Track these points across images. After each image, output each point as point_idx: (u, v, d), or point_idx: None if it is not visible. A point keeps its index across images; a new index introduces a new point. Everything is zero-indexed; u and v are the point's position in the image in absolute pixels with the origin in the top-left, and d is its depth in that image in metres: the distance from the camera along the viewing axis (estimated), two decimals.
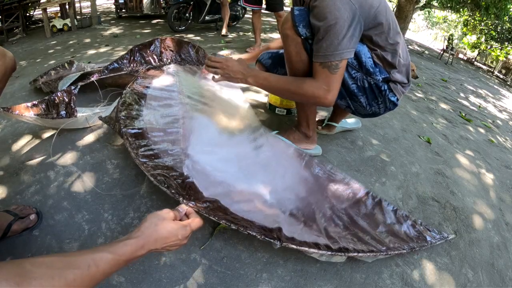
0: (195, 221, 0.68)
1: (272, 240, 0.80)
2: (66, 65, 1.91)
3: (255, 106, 1.74)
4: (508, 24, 9.66)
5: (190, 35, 4.00)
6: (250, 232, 0.80)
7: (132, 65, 1.52)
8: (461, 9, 7.62)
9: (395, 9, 7.96)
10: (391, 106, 1.17)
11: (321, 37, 0.93)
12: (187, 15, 4.22)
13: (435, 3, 8.02)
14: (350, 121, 1.61)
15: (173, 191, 0.83)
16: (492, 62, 14.02)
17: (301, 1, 1.22)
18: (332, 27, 0.90)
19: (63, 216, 0.96)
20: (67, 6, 4.56)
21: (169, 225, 0.61)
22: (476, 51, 12.77)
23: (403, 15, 7.02)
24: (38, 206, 0.97)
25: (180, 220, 0.67)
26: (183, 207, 0.71)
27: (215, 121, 1.22)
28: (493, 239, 1.17)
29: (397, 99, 1.15)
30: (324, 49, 0.93)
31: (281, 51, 1.38)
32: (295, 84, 1.02)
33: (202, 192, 0.86)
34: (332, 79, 0.97)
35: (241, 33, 4.41)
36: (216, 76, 1.11)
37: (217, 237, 0.93)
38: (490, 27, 10.85)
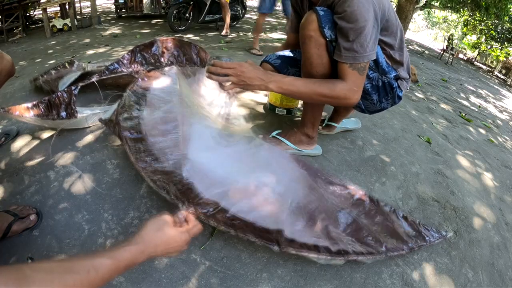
0: (195, 227, 0.68)
1: (270, 245, 0.80)
2: (66, 64, 1.91)
3: (255, 106, 1.74)
4: (508, 24, 9.66)
5: (190, 35, 4.00)
6: (249, 237, 0.80)
7: (132, 65, 1.52)
8: (461, 9, 7.62)
9: (395, 9, 7.97)
10: (397, 101, 1.22)
11: (352, 39, 0.91)
12: (187, 15, 4.22)
13: (435, 3, 8.02)
14: (350, 121, 1.61)
15: (172, 196, 0.83)
16: (492, 62, 14.02)
17: (300, 1, 1.21)
18: (363, 29, 0.89)
19: (63, 216, 0.96)
20: (67, 6, 4.56)
21: (169, 231, 0.61)
22: (476, 51, 12.77)
23: (403, 15, 7.03)
24: (38, 206, 0.97)
25: (180, 225, 0.68)
26: (183, 213, 0.72)
27: (214, 126, 1.22)
28: (493, 239, 1.17)
29: (402, 94, 1.21)
30: (354, 50, 0.92)
31: (287, 52, 1.37)
32: (326, 87, 0.98)
33: (202, 194, 0.86)
34: (361, 81, 0.98)
35: (241, 33, 4.41)
36: (227, 84, 0.97)
37: (217, 237, 0.93)
38: (490, 27, 10.85)
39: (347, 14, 0.89)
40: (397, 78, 1.14)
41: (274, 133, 1.35)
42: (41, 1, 4.82)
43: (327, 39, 0.97)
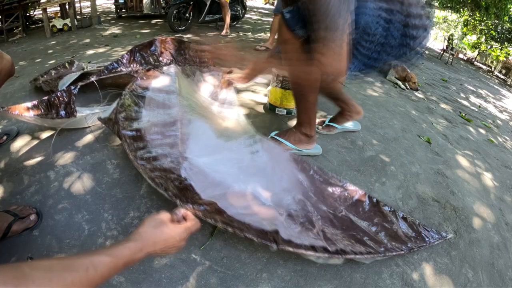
0: (193, 224, 0.68)
1: (268, 243, 0.80)
2: (66, 64, 1.91)
3: (255, 106, 1.74)
4: (508, 24, 9.65)
5: (190, 35, 4.00)
6: (247, 235, 0.80)
7: (132, 65, 1.52)
8: (461, 9, 7.61)
9: None
10: (410, 53, 1.07)
11: (323, 26, 0.88)
12: (187, 15, 4.21)
13: (435, 3, 8.02)
14: (351, 124, 1.61)
15: (170, 193, 0.83)
16: (492, 62, 14.02)
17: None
18: (328, 11, 0.85)
19: (63, 216, 0.96)
20: (67, 6, 4.56)
21: (167, 228, 0.61)
22: (476, 51, 12.76)
23: None
24: (38, 206, 0.97)
25: (178, 222, 0.68)
26: (181, 210, 0.72)
27: (213, 125, 1.22)
28: (493, 239, 1.17)
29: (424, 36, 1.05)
30: (329, 35, 0.89)
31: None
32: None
33: (200, 195, 0.86)
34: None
35: (241, 33, 4.41)
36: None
37: (217, 237, 0.93)
38: (490, 27, 10.84)
39: (309, 1, 0.87)
40: (405, 25, 1.00)
41: (272, 134, 1.35)
42: (41, 1, 4.81)
43: (302, 38, 0.96)
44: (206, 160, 1.03)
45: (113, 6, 5.89)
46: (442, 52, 8.17)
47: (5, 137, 1.31)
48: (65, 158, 1.19)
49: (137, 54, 1.55)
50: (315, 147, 1.34)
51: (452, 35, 9.77)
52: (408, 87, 2.87)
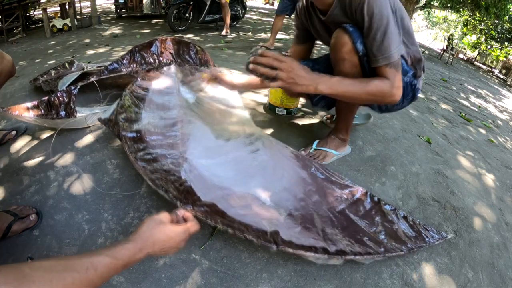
0: (193, 225, 0.68)
1: (268, 244, 0.81)
2: (66, 64, 1.91)
3: (255, 106, 1.74)
4: (508, 24, 9.65)
5: (190, 35, 4.00)
6: (247, 236, 0.80)
7: (132, 65, 1.52)
8: (461, 9, 7.62)
9: None
10: (415, 99, 1.23)
11: (380, 39, 0.92)
12: (187, 15, 4.22)
13: (435, 3, 8.02)
14: (360, 116, 1.64)
15: (171, 195, 0.83)
16: (492, 62, 14.02)
17: (308, 15, 1.18)
18: (387, 25, 0.90)
19: (63, 216, 0.96)
20: (67, 6, 4.56)
21: (167, 229, 0.62)
22: (476, 51, 12.77)
23: None
24: (38, 206, 0.97)
25: (178, 223, 0.68)
26: (181, 211, 0.72)
27: (213, 125, 1.22)
28: (493, 239, 1.17)
29: (419, 92, 1.22)
30: (385, 49, 0.92)
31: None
32: (374, 85, 0.96)
33: (200, 196, 0.86)
34: (400, 76, 0.98)
35: (241, 33, 4.41)
36: (273, 83, 0.90)
37: (217, 237, 0.93)
38: (490, 27, 10.85)
39: (370, 17, 0.90)
40: (415, 75, 1.15)
41: (314, 146, 1.34)
42: (41, 1, 4.82)
43: (360, 54, 0.98)
44: (206, 162, 1.03)
45: (113, 6, 5.89)
46: (442, 52, 8.17)
47: (13, 133, 1.32)
48: (65, 158, 1.19)
49: (137, 54, 1.55)
50: (348, 148, 1.39)
51: (452, 35, 9.76)
52: None
